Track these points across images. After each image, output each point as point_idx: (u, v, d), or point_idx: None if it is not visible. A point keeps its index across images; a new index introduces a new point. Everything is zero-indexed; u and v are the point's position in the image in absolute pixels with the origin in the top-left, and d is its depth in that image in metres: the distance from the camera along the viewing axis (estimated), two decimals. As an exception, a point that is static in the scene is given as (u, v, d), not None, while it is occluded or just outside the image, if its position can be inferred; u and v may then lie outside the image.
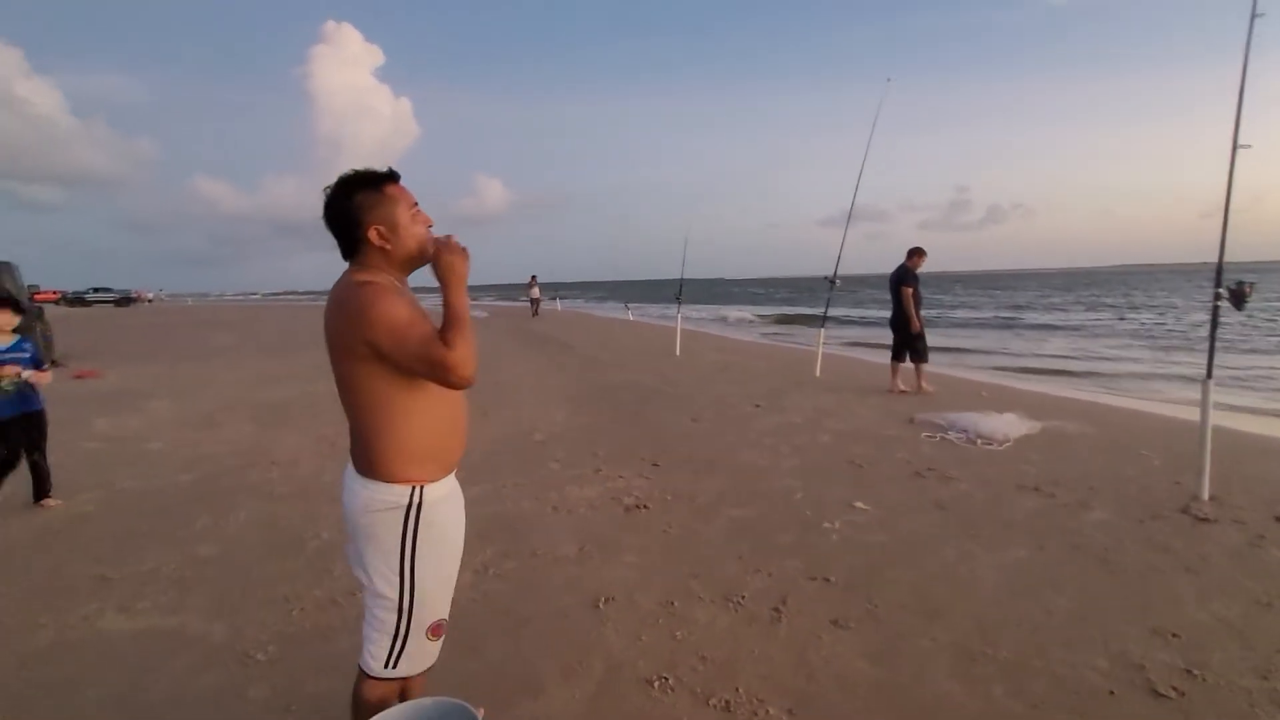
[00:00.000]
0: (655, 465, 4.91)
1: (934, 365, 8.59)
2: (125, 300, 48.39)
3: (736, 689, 2.22)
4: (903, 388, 7.75)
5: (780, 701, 2.16)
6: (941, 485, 4.36)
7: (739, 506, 4.00)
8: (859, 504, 3.99)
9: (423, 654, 1.59)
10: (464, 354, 1.39)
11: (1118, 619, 2.65)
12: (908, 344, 7.71)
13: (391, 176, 1.53)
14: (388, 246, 1.50)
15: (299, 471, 4.83)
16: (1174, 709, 2.10)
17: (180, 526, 3.77)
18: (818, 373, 9.08)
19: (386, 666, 1.55)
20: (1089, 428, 5.95)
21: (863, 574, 3.08)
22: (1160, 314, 26.62)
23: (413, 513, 1.50)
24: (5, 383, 3.79)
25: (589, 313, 33.79)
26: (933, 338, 8.64)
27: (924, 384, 7.73)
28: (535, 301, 27.57)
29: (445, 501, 1.59)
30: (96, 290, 48.38)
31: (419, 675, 1.64)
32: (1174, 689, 2.18)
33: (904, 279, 7.61)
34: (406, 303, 1.45)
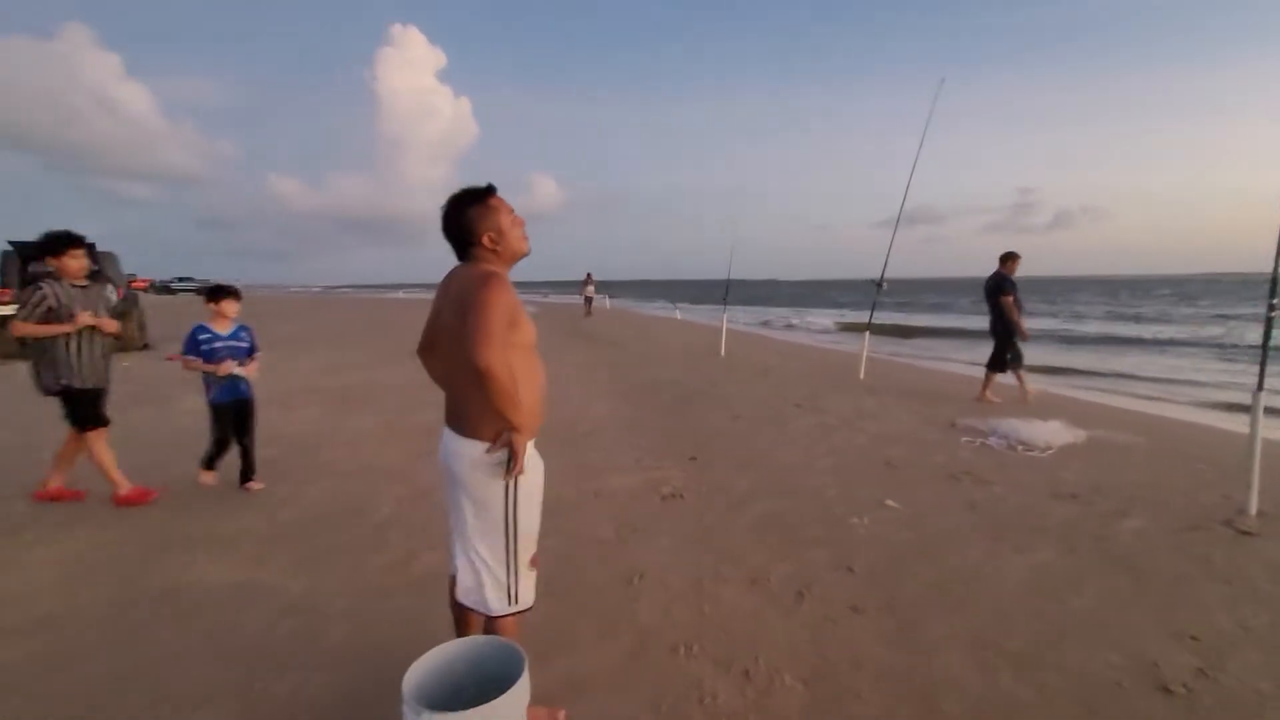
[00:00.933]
0: (693, 459, 5.10)
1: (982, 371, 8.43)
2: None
3: (756, 659, 2.41)
4: (993, 398, 7.51)
5: (796, 673, 2.33)
6: (976, 488, 4.40)
7: (771, 500, 4.16)
8: (890, 502, 4.09)
9: (530, 583, 1.94)
10: (496, 365, 1.67)
11: (1138, 621, 2.70)
12: (1000, 352, 7.48)
13: (491, 190, 1.88)
14: (497, 248, 1.87)
15: (362, 452, 5.25)
16: (1181, 705, 2.18)
17: (264, 495, 4.20)
18: (861, 376, 9.07)
19: (510, 603, 1.89)
20: (1139, 438, 5.81)
21: (886, 567, 3.20)
22: (1233, 325, 24.98)
23: (512, 464, 1.80)
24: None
25: (637, 311, 34.10)
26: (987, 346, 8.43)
27: (988, 394, 7.55)
28: (589, 300, 25.73)
29: (534, 457, 1.91)
30: (181, 280, 51.84)
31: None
32: (1184, 686, 2.26)
33: (1001, 286, 7.33)
34: (512, 298, 1.77)
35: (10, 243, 11.14)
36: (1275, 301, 3.81)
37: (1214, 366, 13.84)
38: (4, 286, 10.84)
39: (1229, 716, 2.12)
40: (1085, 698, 2.21)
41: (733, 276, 12.82)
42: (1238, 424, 6.95)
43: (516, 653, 1.76)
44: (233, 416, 4.22)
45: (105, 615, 2.72)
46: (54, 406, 3.92)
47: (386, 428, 6.02)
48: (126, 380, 9.01)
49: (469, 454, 1.82)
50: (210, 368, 4.08)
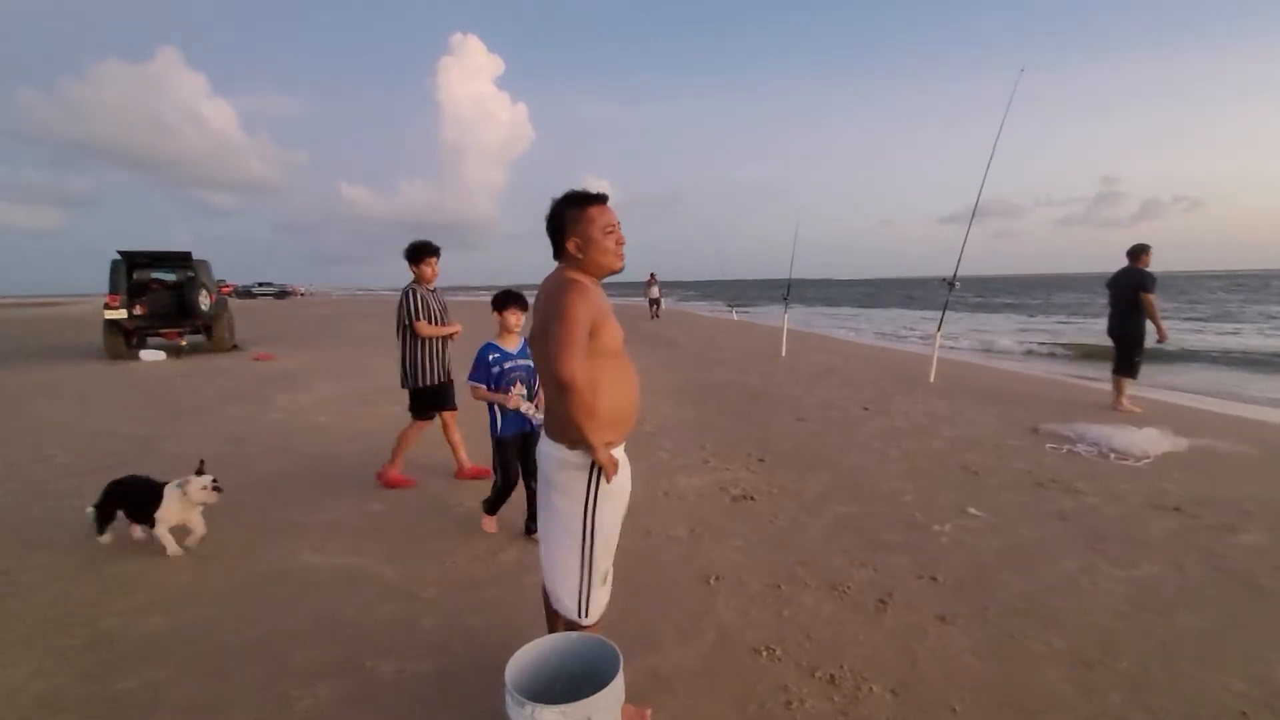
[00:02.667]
0: (761, 460, 5.06)
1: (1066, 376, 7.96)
2: (283, 294, 54.86)
3: (841, 666, 2.37)
4: (1130, 406, 6.92)
5: (884, 682, 2.29)
6: (1065, 497, 4.18)
7: (845, 504, 4.08)
8: (972, 510, 3.94)
9: (601, 599, 1.97)
10: (575, 375, 1.69)
11: (1260, 643, 2.51)
12: (1131, 355, 6.89)
13: (598, 199, 1.88)
14: (580, 256, 1.86)
15: (441, 449, 5.44)
16: (1318, 737, 2.01)
17: (353, 487, 4.44)
18: (932, 378, 8.75)
19: (581, 615, 1.93)
20: (1248, 447, 5.37)
21: (973, 576, 3.09)
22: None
23: (596, 469, 1.84)
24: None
25: (693, 312, 33.99)
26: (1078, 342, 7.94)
27: (1125, 402, 6.95)
28: (654, 302, 24.08)
29: (622, 460, 1.93)
30: (261, 285, 55.28)
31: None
32: (1320, 718, 2.08)
33: (1143, 283, 6.68)
34: (592, 306, 1.76)
35: (120, 253, 12.16)
36: None
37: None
38: (113, 293, 11.83)
39: (1375, 753, 1.94)
40: (1205, 723, 2.07)
41: (793, 275, 12.60)
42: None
43: (612, 651, 1.80)
44: (519, 452, 3.47)
45: (223, 594, 2.95)
46: (167, 402, 4.26)
47: (460, 426, 6.22)
48: (224, 379, 9.70)
49: (555, 454, 1.87)
50: (501, 399, 3.38)
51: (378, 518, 3.85)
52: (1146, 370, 7.53)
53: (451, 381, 4.44)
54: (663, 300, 25.10)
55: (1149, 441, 5.29)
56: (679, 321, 22.81)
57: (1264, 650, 2.46)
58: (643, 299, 26.55)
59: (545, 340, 1.81)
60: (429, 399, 4.39)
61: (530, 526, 3.53)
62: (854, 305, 45.21)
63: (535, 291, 2.09)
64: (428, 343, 4.23)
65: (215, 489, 3.37)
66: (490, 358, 3.42)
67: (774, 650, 2.48)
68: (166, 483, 3.36)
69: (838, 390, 8.32)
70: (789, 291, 13.23)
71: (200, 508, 3.40)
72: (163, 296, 12.80)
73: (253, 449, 5.46)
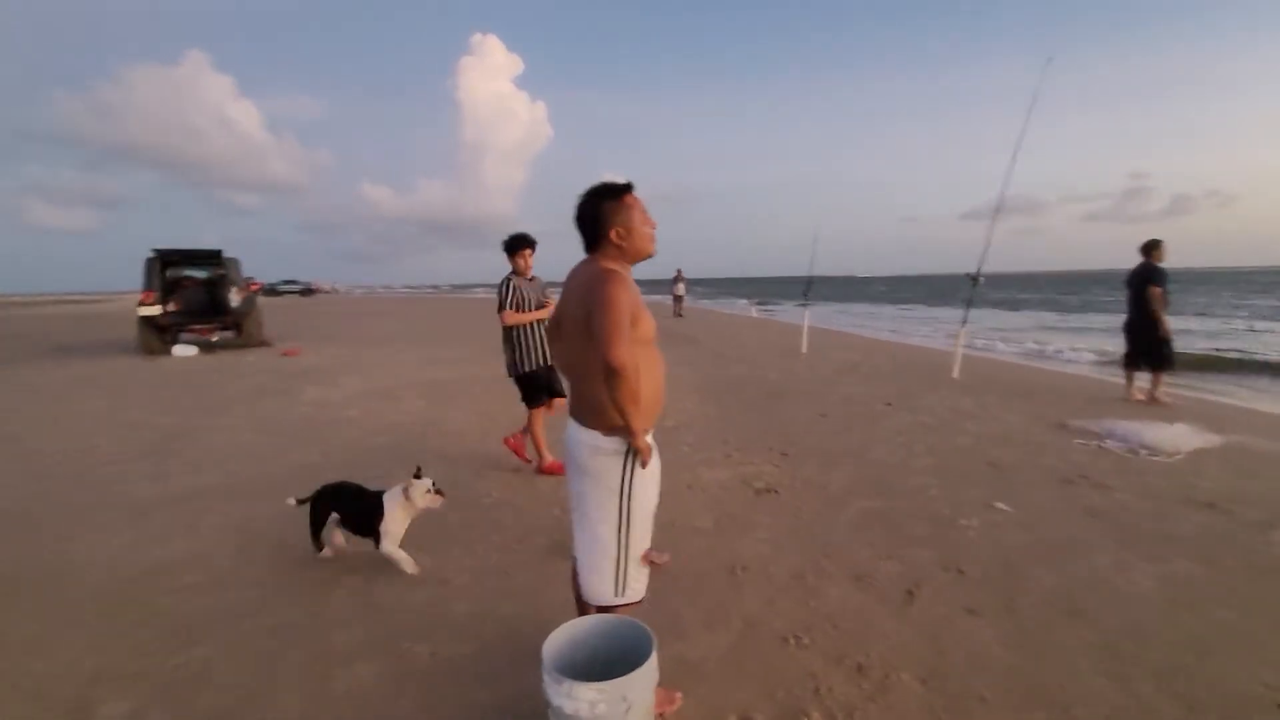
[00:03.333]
0: (784, 455, 5.07)
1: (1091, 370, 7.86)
2: (308, 291, 55.83)
3: (868, 655, 2.40)
4: (1139, 396, 7.06)
5: (913, 671, 2.30)
6: (1094, 493, 4.14)
7: (869, 499, 4.08)
8: (999, 504, 3.92)
9: (639, 578, 2.00)
10: (626, 362, 1.73)
11: (1298, 640, 2.48)
12: (1151, 349, 6.91)
13: (628, 188, 1.93)
14: (624, 244, 1.92)
15: (466, 441, 5.55)
16: (1356, 733, 1.99)
17: (385, 478, 4.51)
18: (955, 374, 8.66)
19: (618, 593, 1.96)
20: (1287, 445, 5.26)
21: (1000, 570, 3.08)
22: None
23: (631, 455, 1.89)
24: None
25: (714, 309, 33.92)
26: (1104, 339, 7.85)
27: (1161, 394, 6.96)
28: (678, 300, 23.42)
29: (652, 449, 1.96)
30: (286, 282, 56.29)
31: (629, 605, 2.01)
32: (1359, 714, 2.06)
33: (1152, 277, 6.77)
34: (632, 295, 1.83)
35: (154, 251, 12.49)
36: None
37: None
38: (148, 289, 12.17)
39: None
40: (1240, 715, 2.05)
41: (813, 272, 12.54)
42: None
43: (645, 632, 1.84)
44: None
45: (263, 577, 3.05)
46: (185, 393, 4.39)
47: (485, 419, 6.33)
48: (253, 373, 9.93)
49: (589, 441, 1.91)
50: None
51: (409, 507, 3.94)
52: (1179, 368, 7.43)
53: (553, 367, 4.46)
54: (685, 298, 24.61)
55: (1180, 437, 5.20)
56: (699, 319, 22.78)
57: (1301, 646, 2.43)
58: (665, 296, 26.28)
59: (581, 329, 1.86)
60: (536, 385, 4.47)
61: None
62: (876, 302, 44.76)
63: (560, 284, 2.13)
64: (525, 330, 4.33)
65: (437, 493, 3.07)
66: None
67: (801, 639, 2.50)
68: (381, 490, 3.08)
69: (859, 386, 8.27)
70: (809, 288, 13.17)
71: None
72: (195, 293, 13.13)
73: (284, 440, 5.60)
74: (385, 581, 2.99)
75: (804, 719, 2.06)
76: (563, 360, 2.09)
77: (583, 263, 2.00)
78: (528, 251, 4.36)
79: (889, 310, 34.76)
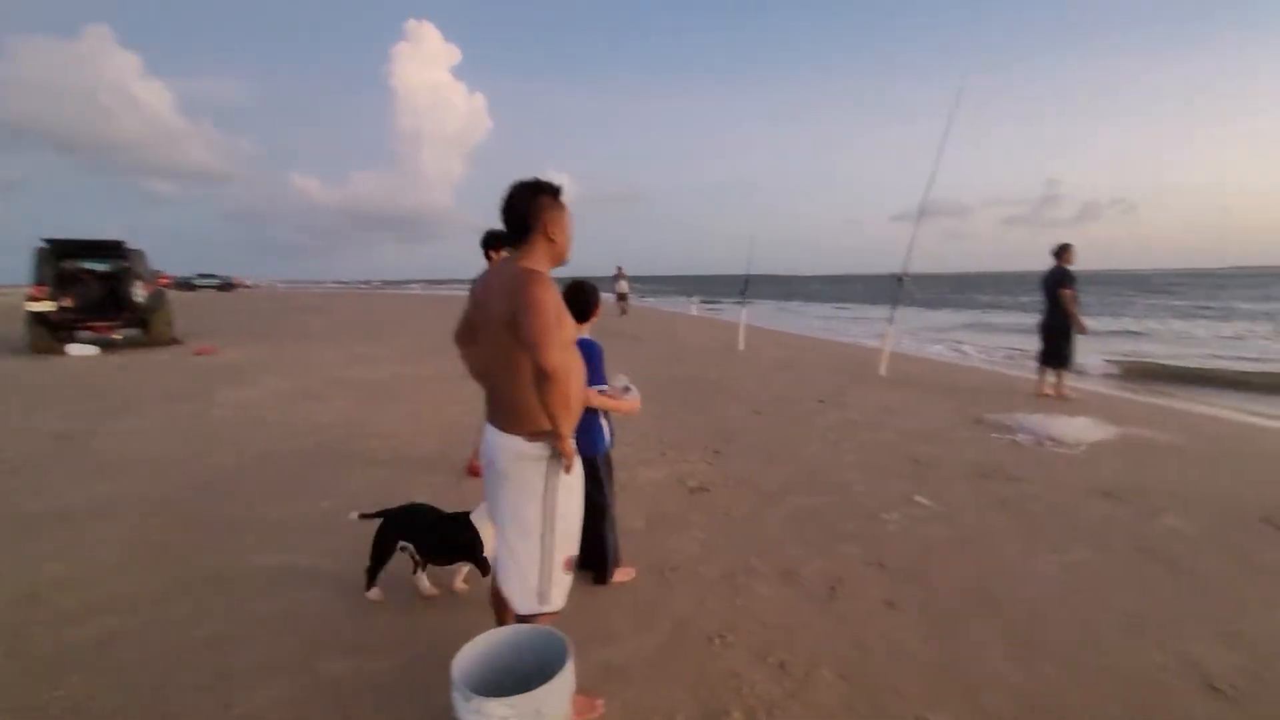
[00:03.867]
0: (718, 453, 5.12)
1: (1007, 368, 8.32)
2: (227, 285, 52.59)
3: (792, 652, 2.43)
4: (1049, 392, 7.49)
5: (833, 666, 2.35)
6: (1007, 485, 4.36)
7: (799, 495, 4.16)
8: (920, 499, 4.07)
9: (562, 586, 1.95)
10: (558, 365, 1.71)
11: (1180, 620, 2.67)
12: (1060, 348, 7.34)
13: (560, 190, 1.91)
14: (555, 241, 1.89)
15: (396, 443, 5.33)
16: (1229, 705, 2.15)
17: (302, 484, 4.29)
18: (882, 371, 8.99)
19: (541, 602, 1.90)
20: (1176, 436, 5.71)
21: (920, 563, 3.19)
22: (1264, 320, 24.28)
23: (555, 461, 1.85)
24: None
25: (655, 307, 34.07)
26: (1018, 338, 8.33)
27: (1064, 390, 7.44)
28: (622, 297, 22.32)
29: (576, 453, 1.92)
30: (203, 276, 52.82)
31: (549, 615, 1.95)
32: (1232, 686, 2.23)
33: (1063, 279, 7.21)
34: (558, 297, 1.81)
35: (45, 240, 11.43)
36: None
37: (1252, 366, 13.47)
38: (38, 283, 11.13)
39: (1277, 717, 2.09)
40: (1131, 695, 2.19)
41: (753, 271, 12.77)
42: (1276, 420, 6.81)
43: (561, 641, 1.79)
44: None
45: (163, 596, 2.82)
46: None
47: (417, 420, 6.11)
48: (161, 374, 9.25)
49: (511, 446, 1.85)
50: (617, 403, 2.79)
51: (332, 515, 3.73)
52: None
53: None
54: (630, 295, 23.50)
55: (1082, 430, 5.56)
56: (642, 317, 22.81)
57: (1181, 625, 2.63)
58: (611, 294, 24.39)
59: (503, 332, 1.79)
60: None
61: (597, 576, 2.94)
62: (813, 300, 46.09)
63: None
64: None
65: None
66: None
67: (727, 638, 2.51)
68: (464, 512, 2.68)
69: (794, 384, 8.47)
70: (746, 287, 13.41)
71: None
72: (93, 288, 12.11)
73: (196, 446, 5.23)
74: (301, 596, 2.82)
75: (725, 717, 2.07)
76: (479, 364, 2.01)
77: (505, 261, 1.94)
78: (505, 250, 4.23)
79: (825, 309, 35.86)
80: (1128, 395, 8.82)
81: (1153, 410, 7.35)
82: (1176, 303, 36.41)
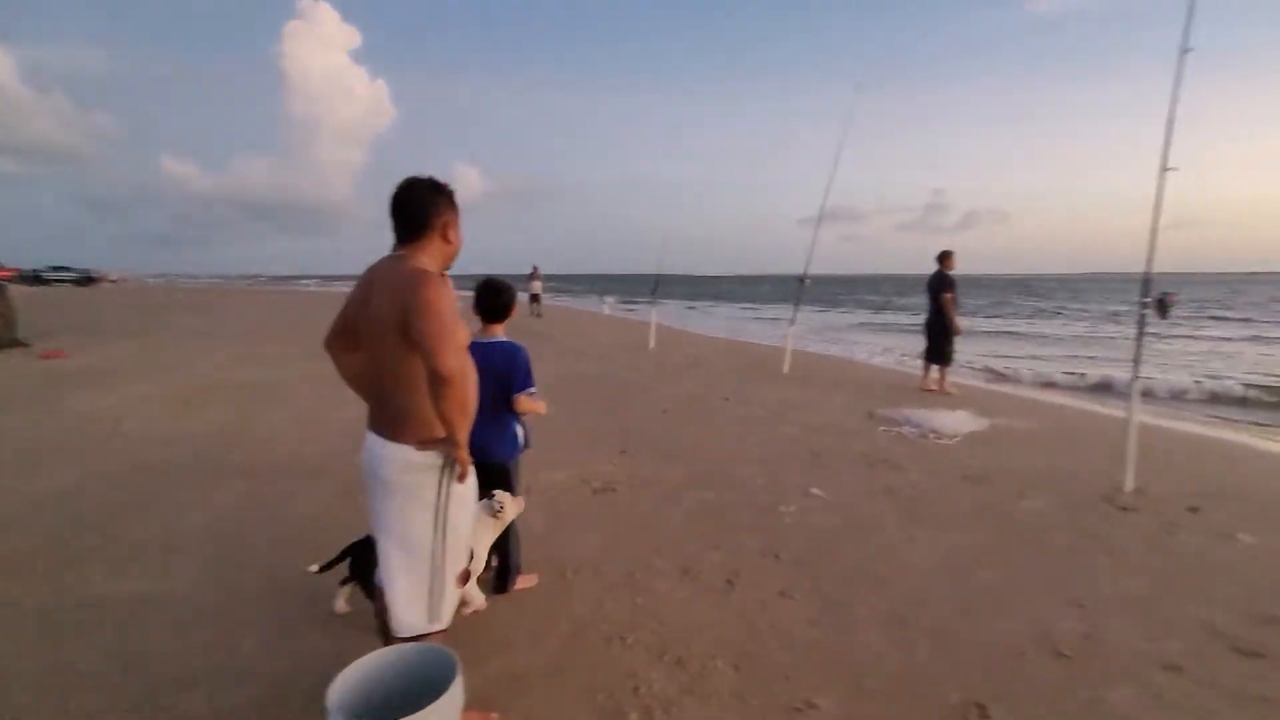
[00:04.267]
0: (623, 453, 5.12)
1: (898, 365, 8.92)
2: (87, 279, 46.93)
3: (689, 647, 2.46)
4: (933, 387, 8.07)
5: (728, 658, 2.40)
6: (892, 474, 4.66)
7: (702, 491, 4.24)
8: (815, 490, 4.26)
9: (453, 600, 1.85)
10: (456, 370, 1.63)
11: (1035, 592, 2.95)
12: (942, 346, 7.95)
13: (454, 193, 1.86)
14: (449, 241, 1.83)
15: (279, 451, 4.94)
16: (1071, 666, 2.39)
17: (166, 501, 3.87)
18: (786, 369, 9.39)
19: (431, 620, 1.80)
20: (1036, 424, 6.34)
21: (812, 552, 3.34)
22: (1106, 320, 27.62)
23: (447, 471, 1.76)
24: None
25: (566, 305, 33.81)
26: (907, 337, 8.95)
27: (946, 386, 8.04)
28: (535, 298, 21.24)
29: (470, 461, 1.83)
30: (56, 269, 46.79)
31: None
32: (1074, 650, 2.48)
33: (944, 285, 7.81)
34: (454, 298, 1.71)
35: None
36: (1146, 300, 4.23)
37: (1099, 355, 15.22)
38: None
39: (1110, 675, 2.35)
40: (990, 665, 2.39)
41: (666, 271, 12.95)
42: (1119, 409, 7.70)
43: (449, 658, 1.71)
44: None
45: (-20, 637, 2.44)
46: None
47: (303, 424, 5.70)
48: (-5, 378, 8.11)
49: (399, 456, 1.74)
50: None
51: (197, 532, 3.39)
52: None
53: None
54: (543, 296, 22.47)
55: (959, 422, 6.05)
56: (558, 317, 22.55)
57: (1035, 597, 2.90)
58: (524, 293, 22.93)
59: (393, 335, 1.68)
60: None
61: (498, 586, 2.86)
62: (724, 300, 47.44)
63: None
64: None
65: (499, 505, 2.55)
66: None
67: (625, 639, 2.51)
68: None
69: (702, 382, 8.66)
70: (657, 286, 13.58)
71: None
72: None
73: (35, 462, 4.60)
74: (155, 625, 2.53)
75: (622, 720, 2.06)
76: (365, 370, 1.85)
77: (390, 260, 1.81)
78: None
79: (734, 309, 37.00)
80: (999, 389, 9.69)
81: (1018, 402, 8.11)
82: (1043, 305, 40.54)
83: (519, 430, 2.83)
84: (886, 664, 2.38)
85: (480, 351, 2.31)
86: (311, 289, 52.04)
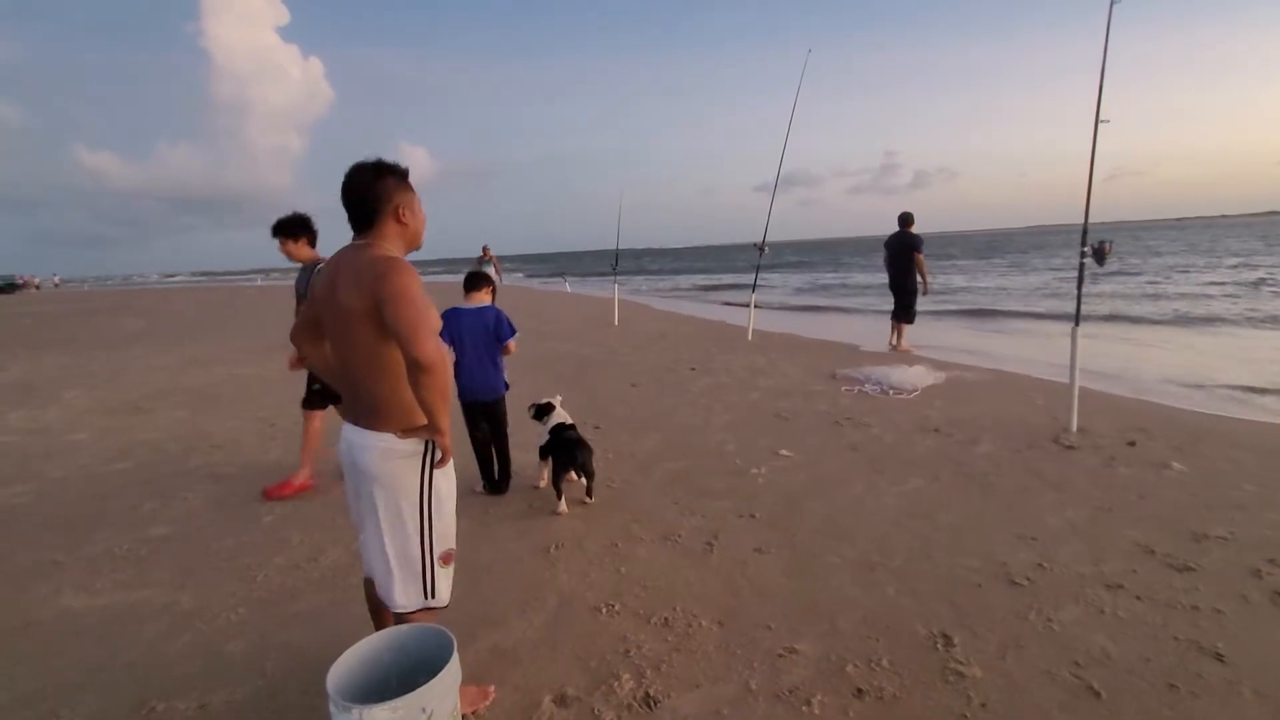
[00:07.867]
0: (597, 428, 5.18)
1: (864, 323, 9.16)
2: (10, 287, 44.10)
3: (674, 608, 2.56)
4: (906, 346, 8.40)
5: (711, 615, 2.51)
6: (856, 431, 4.85)
7: (675, 460, 4.35)
8: (783, 451, 4.42)
9: (446, 580, 1.89)
10: (436, 357, 1.62)
11: (991, 529, 3.16)
12: (908, 305, 8.27)
13: (408, 171, 1.82)
14: (406, 225, 1.79)
15: (242, 453, 4.84)
16: (1025, 593, 2.59)
17: (126, 511, 3.77)
18: (749, 337, 9.55)
19: (426, 597, 1.83)
20: (986, 375, 6.64)
21: (784, 509, 3.48)
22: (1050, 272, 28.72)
23: (428, 457, 1.77)
24: None
25: (526, 286, 33.40)
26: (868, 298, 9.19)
27: (905, 343, 8.42)
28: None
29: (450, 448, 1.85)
30: (-28, 276, 43.83)
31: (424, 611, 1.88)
32: (1027, 579, 2.68)
33: (915, 245, 8.08)
34: (420, 282, 1.69)
35: None
36: (1085, 250, 4.46)
37: (1046, 307, 15.88)
38: None
39: (1060, 597, 2.55)
40: (953, 598, 2.56)
41: (624, 245, 12.91)
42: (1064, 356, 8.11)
43: (444, 636, 1.75)
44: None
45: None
46: None
47: (265, 425, 5.58)
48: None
49: (380, 445, 1.75)
50: None
51: (164, 542, 3.32)
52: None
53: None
54: (501, 276, 22.95)
55: (917, 377, 6.30)
56: (510, 296, 22.26)
57: (991, 534, 3.10)
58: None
59: (364, 324, 1.67)
60: (315, 386, 3.97)
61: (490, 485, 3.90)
62: (684, 272, 47.51)
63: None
64: None
65: None
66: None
67: (613, 605, 2.59)
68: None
69: (668, 354, 8.75)
70: (617, 262, 13.54)
71: None
72: None
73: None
74: (134, 635, 2.49)
75: (615, 681, 2.14)
76: (336, 360, 1.84)
77: (353, 249, 1.78)
78: (302, 240, 3.86)
79: (697, 278, 37.12)
80: (955, 343, 10.07)
81: (972, 355, 8.46)
82: (997, 260, 41.88)
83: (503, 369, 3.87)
84: (858, 606, 2.53)
85: (473, 313, 3.85)
86: (260, 284, 49.99)
